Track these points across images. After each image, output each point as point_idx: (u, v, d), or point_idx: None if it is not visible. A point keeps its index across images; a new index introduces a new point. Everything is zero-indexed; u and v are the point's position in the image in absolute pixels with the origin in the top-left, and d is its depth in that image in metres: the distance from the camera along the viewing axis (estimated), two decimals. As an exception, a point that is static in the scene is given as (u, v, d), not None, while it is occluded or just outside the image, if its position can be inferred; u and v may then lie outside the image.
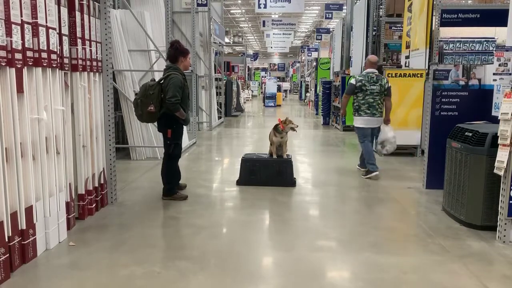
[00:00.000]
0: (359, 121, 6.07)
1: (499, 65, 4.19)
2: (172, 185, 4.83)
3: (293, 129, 5.52)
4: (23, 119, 3.06)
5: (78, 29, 3.85)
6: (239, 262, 3.26)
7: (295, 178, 5.56)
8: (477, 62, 8.09)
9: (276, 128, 5.51)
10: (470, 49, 8.32)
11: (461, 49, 8.31)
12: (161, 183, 4.88)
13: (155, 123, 4.85)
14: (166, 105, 4.39)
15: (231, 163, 7.11)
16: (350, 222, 4.25)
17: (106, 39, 4.41)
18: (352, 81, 6.20)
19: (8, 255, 2.89)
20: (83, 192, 4.05)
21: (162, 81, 4.48)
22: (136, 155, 7.25)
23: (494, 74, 4.30)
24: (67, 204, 3.70)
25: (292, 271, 3.11)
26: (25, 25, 3.06)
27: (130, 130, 7.15)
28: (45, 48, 3.27)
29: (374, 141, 6.31)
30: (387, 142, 5.97)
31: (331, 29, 21.32)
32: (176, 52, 4.62)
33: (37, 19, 3.15)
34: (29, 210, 3.13)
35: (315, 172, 6.69)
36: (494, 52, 7.45)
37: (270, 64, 51.53)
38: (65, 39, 3.68)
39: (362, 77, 6.10)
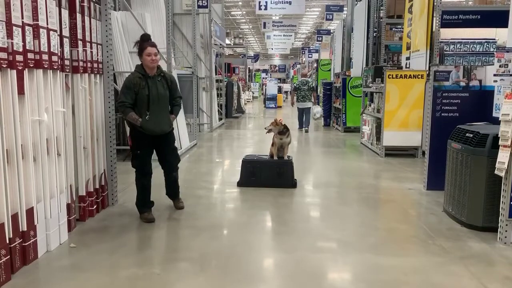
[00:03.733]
0: (298, 105, 11.81)
1: (500, 66, 4.19)
2: (137, 201, 4.26)
3: (271, 131, 5.54)
4: (24, 120, 3.07)
5: (79, 31, 3.86)
6: (239, 263, 3.26)
7: (295, 179, 5.56)
8: (478, 63, 8.08)
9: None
10: (470, 50, 8.32)
11: (461, 50, 8.31)
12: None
13: None
14: None
15: (232, 164, 7.11)
16: (351, 223, 4.24)
17: (107, 41, 4.42)
18: (294, 84, 13.04)
19: (9, 256, 2.89)
20: (84, 194, 4.05)
21: None
22: (137, 157, 7.24)
23: (494, 75, 4.29)
24: (68, 205, 3.70)
25: (293, 273, 3.11)
26: (26, 27, 3.06)
27: (131, 132, 7.15)
28: (46, 50, 3.27)
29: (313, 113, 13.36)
30: (316, 113, 13.39)
31: (331, 31, 21.34)
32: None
33: (38, 21, 3.15)
34: (30, 212, 3.13)
35: (315, 173, 6.69)
36: (494, 53, 7.45)
37: (270, 65, 51.53)
38: (66, 41, 3.68)
39: (299, 82, 12.05)
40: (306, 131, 11.62)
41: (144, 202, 4.24)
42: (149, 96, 3.96)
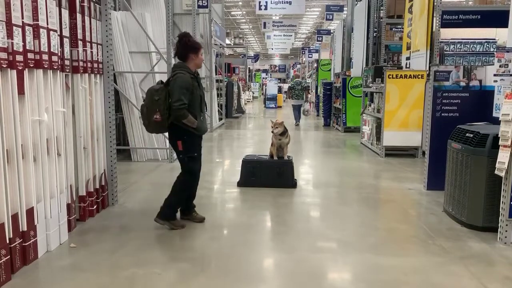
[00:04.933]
0: (293, 102, 13.48)
1: (500, 66, 4.19)
2: (175, 206, 4.01)
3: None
4: (24, 120, 3.07)
5: (79, 31, 3.86)
6: (239, 263, 3.26)
7: (295, 179, 5.56)
8: (478, 63, 8.09)
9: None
10: (470, 50, 8.32)
11: (461, 50, 8.31)
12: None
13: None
14: (172, 111, 3.74)
15: (232, 164, 7.11)
16: (351, 223, 4.24)
17: (107, 41, 4.42)
18: (290, 84, 15.46)
19: (9, 256, 2.90)
20: (84, 194, 4.05)
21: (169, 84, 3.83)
22: (137, 157, 7.26)
23: (494, 75, 4.29)
24: (68, 205, 3.70)
25: (293, 273, 3.11)
26: (26, 27, 3.06)
27: (131, 132, 7.16)
28: (46, 50, 3.28)
29: (302, 110, 13.49)
30: (304, 110, 13.45)
31: (331, 31, 21.34)
32: (185, 49, 3.85)
33: (38, 21, 3.15)
34: (30, 212, 3.13)
35: (316, 173, 6.69)
36: (494, 53, 7.45)
37: (271, 65, 51.52)
38: (66, 41, 3.69)
39: (293, 82, 13.66)
40: (297, 125, 13.19)
41: (178, 207, 4.07)
42: (201, 97, 3.91)
